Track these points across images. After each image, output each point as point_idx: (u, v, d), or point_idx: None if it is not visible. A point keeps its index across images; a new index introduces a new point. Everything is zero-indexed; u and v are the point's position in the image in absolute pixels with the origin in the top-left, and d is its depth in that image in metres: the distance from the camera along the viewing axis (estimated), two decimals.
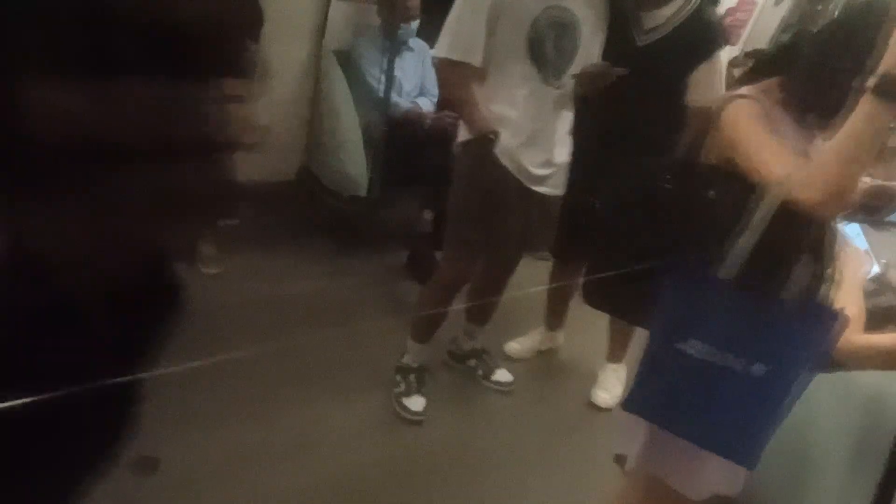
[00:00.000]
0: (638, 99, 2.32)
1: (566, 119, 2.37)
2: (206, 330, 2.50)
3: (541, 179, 2.35)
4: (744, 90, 1.41)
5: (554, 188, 2.40)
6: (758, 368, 1.28)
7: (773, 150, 1.31)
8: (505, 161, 2.28)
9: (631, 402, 1.46)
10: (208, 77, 0.18)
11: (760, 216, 1.25)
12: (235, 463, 2.16)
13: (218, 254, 3.09)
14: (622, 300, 1.48)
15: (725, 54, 2.42)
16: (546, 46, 2.21)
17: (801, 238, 1.30)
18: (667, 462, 1.47)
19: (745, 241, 1.27)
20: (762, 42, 3.61)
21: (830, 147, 1.21)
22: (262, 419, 2.36)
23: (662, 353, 1.35)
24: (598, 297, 1.60)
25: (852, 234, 2.11)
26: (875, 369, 1.62)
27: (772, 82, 1.39)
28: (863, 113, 1.16)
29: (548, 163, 2.35)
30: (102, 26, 0.17)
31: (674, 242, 1.34)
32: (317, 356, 2.72)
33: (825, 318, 1.27)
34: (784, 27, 3.46)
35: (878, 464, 1.52)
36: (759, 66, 1.47)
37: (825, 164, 1.21)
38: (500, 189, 2.30)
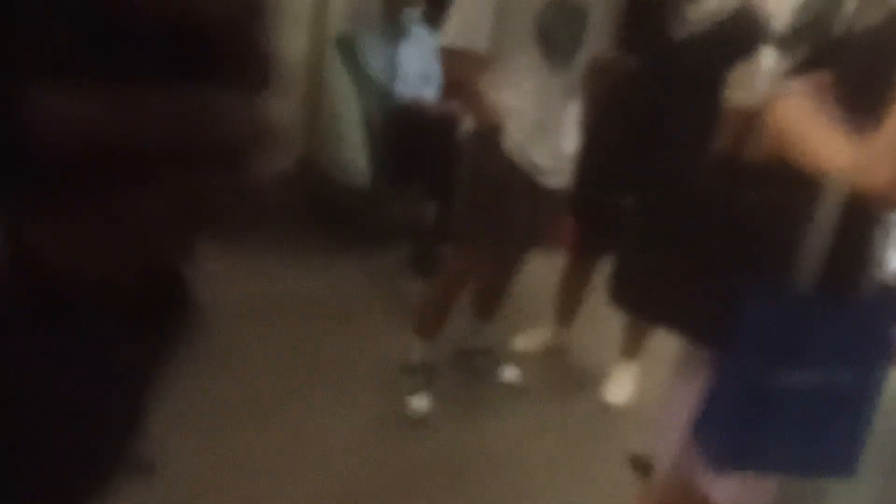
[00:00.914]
0: (670, 95, 2.27)
1: (574, 109, 2.33)
2: (203, 326, 2.48)
3: (548, 171, 2.31)
4: (793, 85, 1.34)
5: (561, 180, 2.37)
6: (848, 376, 1.20)
7: (830, 139, 1.22)
8: (511, 152, 2.24)
9: (725, 460, 1.31)
10: (221, 77, 0.19)
11: (826, 213, 1.15)
12: (235, 465, 2.11)
13: (217, 249, 3.03)
14: (658, 304, 1.38)
15: (770, 52, 2.33)
16: (555, 35, 2.16)
17: (869, 233, 1.21)
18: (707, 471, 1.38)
19: (815, 244, 1.16)
20: (780, 26, 3.54)
21: (888, 129, 1.12)
22: (260, 419, 2.31)
23: (753, 393, 1.23)
24: (629, 300, 1.50)
25: None
26: None
27: (822, 77, 1.31)
28: None
29: (555, 154, 2.31)
30: (108, 25, 0.17)
31: (714, 244, 1.26)
32: (318, 354, 2.68)
33: None
34: (802, 9, 3.40)
35: None
36: (808, 60, 1.39)
37: (886, 147, 1.12)
38: (507, 181, 2.25)
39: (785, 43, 3.15)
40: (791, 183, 1.22)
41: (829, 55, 1.39)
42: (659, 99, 2.28)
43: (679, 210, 1.35)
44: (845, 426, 1.25)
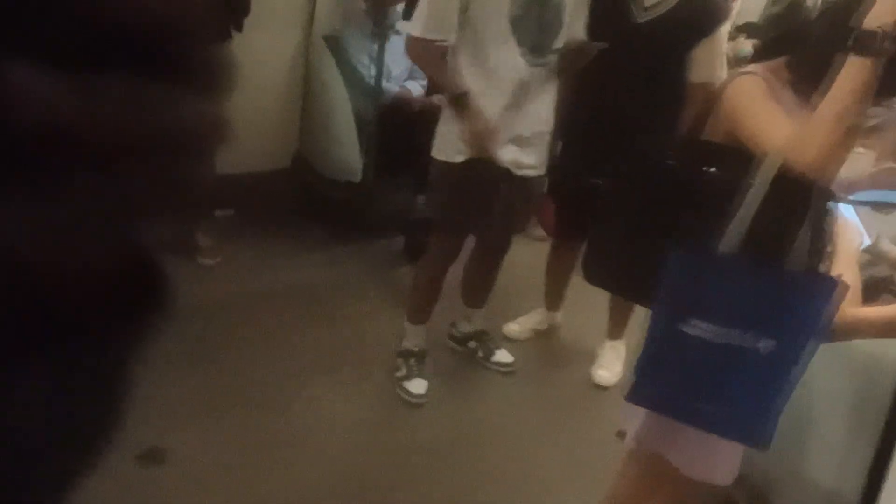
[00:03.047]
0: (636, 78, 2.33)
1: (550, 98, 2.36)
2: (205, 321, 2.54)
3: (525, 158, 2.35)
4: (749, 67, 1.42)
5: (537, 168, 2.40)
6: (765, 344, 1.24)
7: (772, 119, 1.31)
8: None
9: (636, 394, 1.40)
10: (177, 70, 0.20)
11: (757, 186, 1.24)
12: (239, 451, 2.17)
13: (214, 245, 3.09)
14: (624, 277, 1.46)
15: (726, 30, 2.42)
16: (530, 24, 2.19)
17: (800, 210, 1.28)
18: (670, 440, 1.46)
19: (743, 213, 1.25)
20: (754, 16, 3.59)
21: (819, 109, 1.23)
22: (263, 408, 2.37)
23: (665, 337, 1.31)
24: (599, 275, 1.58)
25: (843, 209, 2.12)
26: (872, 338, 1.63)
27: (779, 62, 1.40)
28: (845, 71, 1.19)
29: (531, 142, 2.34)
30: (66, 17, 0.18)
31: (675, 219, 1.33)
32: (318, 342, 2.73)
33: (826, 286, 1.26)
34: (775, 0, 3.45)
35: (876, 425, 1.54)
36: (766, 46, 1.48)
37: (814, 126, 1.22)
38: (482, 168, 2.29)
39: (757, 31, 3.23)
40: (745, 159, 1.30)
41: (787, 41, 1.47)
42: (626, 82, 2.34)
43: (644, 187, 1.42)
44: (757, 394, 1.28)
